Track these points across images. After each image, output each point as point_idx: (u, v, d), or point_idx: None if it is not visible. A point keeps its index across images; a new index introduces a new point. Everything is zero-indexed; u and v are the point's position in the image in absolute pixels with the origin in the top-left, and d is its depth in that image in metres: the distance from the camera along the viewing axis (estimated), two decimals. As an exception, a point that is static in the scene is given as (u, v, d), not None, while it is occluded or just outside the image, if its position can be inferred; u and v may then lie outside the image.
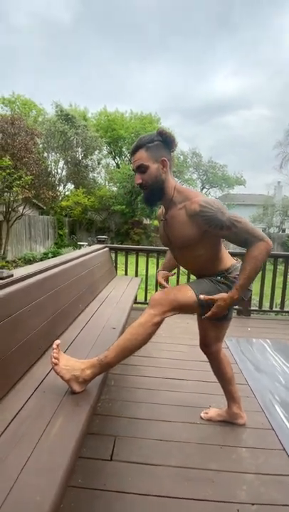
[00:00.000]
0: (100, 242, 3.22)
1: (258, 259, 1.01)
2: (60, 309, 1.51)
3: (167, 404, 1.55)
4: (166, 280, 1.46)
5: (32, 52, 44.06)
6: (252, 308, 3.22)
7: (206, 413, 1.46)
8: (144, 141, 1.07)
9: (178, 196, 1.10)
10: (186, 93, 45.17)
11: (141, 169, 1.07)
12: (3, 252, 8.01)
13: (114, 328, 1.60)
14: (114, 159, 18.39)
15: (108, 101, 42.89)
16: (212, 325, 1.33)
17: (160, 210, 1.27)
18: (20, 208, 8.28)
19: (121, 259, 3.52)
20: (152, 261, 3.36)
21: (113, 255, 3.31)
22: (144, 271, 3.31)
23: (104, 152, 17.27)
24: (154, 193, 1.10)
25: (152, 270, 3.46)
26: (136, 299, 2.89)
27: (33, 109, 16.58)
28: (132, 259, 3.56)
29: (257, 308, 3.23)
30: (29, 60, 43.58)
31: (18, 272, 1.30)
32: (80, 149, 12.68)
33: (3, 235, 8.02)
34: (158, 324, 1.07)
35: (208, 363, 1.43)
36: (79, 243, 12.47)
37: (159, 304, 1.07)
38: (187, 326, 2.71)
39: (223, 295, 1.09)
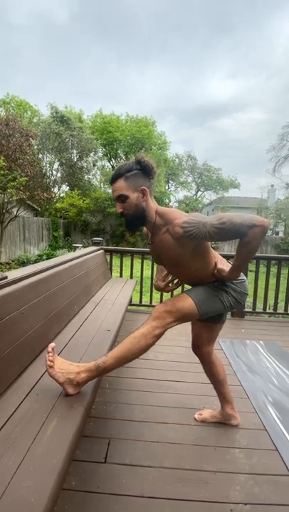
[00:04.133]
0: (95, 244, 3.22)
1: (252, 244, 1.01)
2: (55, 311, 1.51)
3: (161, 406, 1.56)
4: (169, 282, 1.39)
5: (28, 52, 44.00)
6: (245, 309, 3.25)
7: (200, 414, 1.47)
8: (122, 171, 1.07)
9: (160, 220, 1.10)
10: (182, 95, 45.66)
11: (121, 199, 1.07)
12: (-3, 254, 7.92)
13: (108, 331, 1.60)
14: (109, 161, 18.41)
15: (104, 102, 42.91)
16: (205, 326, 1.35)
17: (145, 229, 1.25)
18: (15, 210, 8.20)
19: (116, 261, 3.52)
20: (147, 263, 3.37)
21: (108, 257, 3.31)
22: (139, 273, 3.32)
23: (100, 154, 17.29)
24: (135, 220, 1.12)
25: (147, 272, 3.47)
26: (131, 301, 2.89)
27: (27, 110, 16.51)
28: (127, 261, 3.56)
29: (250, 310, 3.26)
30: (24, 60, 43.50)
31: (12, 274, 1.30)
32: (75, 151, 12.66)
33: (-3, 237, 7.94)
34: (159, 336, 1.09)
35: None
36: (74, 245, 12.42)
37: (161, 316, 1.10)
38: (183, 328, 2.72)
39: (224, 269, 1.17)
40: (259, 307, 3.37)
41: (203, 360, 1.40)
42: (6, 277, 1.22)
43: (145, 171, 1.09)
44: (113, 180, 1.09)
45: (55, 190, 13.41)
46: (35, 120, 14.12)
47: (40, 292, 1.39)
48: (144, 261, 3.34)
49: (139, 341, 1.05)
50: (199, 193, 26.50)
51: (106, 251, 3.23)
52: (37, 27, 39.93)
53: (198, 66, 46.00)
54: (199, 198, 26.84)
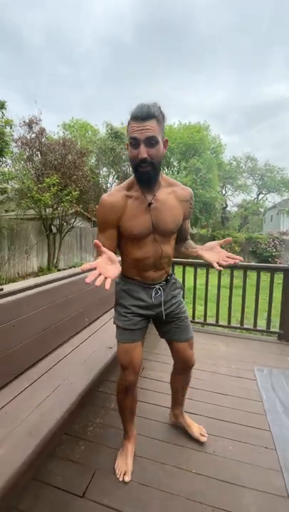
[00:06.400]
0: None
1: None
2: (56, 324, 1.51)
3: (163, 441, 1.37)
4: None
5: (91, 76, 48.84)
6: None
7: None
8: (156, 111, 0.90)
9: (163, 180, 1.06)
10: (242, 94, 43.53)
11: (151, 142, 0.90)
12: (56, 261, 8.78)
13: (110, 348, 1.52)
14: (162, 170, 18.65)
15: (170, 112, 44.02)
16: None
17: (113, 195, 1.02)
18: (72, 221, 9.00)
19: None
20: (201, 274, 3.07)
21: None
22: (192, 283, 2.99)
23: (153, 164, 17.68)
24: (155, 172, 0.97)
25: (189, 282, 3.11)
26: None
27: (88, 130, 18.18)
28: (178, 271, 3.37)
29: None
30: (88, 83, 48.40)
31: (11, 287, 1.34)
32: (128, 163, 13.28)
33: (57, 245, 8.82)
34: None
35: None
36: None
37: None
38: (213, 349, 2.44)
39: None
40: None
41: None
42: (1, 289, 1.27)
43: (164, 121, 0.96)
44: (146, 118, 0.89)
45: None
46: (97, 138, 15.41)
47: (38, 305, 1.41)
48: (199, 271, 3.00)
49: None
50: (261, 195, 24.46)
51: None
52: (101, 54, 44.20)
53: (258, 59, 43.24)
54: (261, 202, 24.73)
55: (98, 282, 0.73)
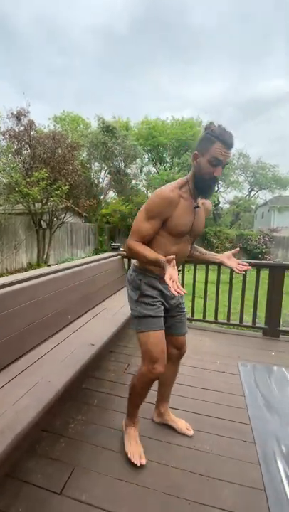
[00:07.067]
0: (113, 249, 3.19)
1: None
2: (38, 321, 1.48)
3: (146, 437, 1.38)
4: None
5: (83, 69, 47.88)
6: (281, 327, 2.77)
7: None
8: None
9: None
10: (235, 91, 43.50)
11: (224, 166, 1.11)
12: (46, 257, 8.66)
13: (92, 345, 1.51)
14: (154, 166, 18.55)
15: (162, 105, 42.91)
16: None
17: (173, 191, 1.13)
18: (62, 216, 8.87)
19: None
20: (189, 271, 3.07)
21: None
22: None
23: (146, 160, 17.55)
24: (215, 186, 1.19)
25: (189, 275, 3.14)
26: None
27: (80, 124, 17.85)
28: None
29: (288, 329, 2.77)
30: (80, 75, 47.44)
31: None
32: (120, 158, 13.13)
33: (46, 241, 8.69)
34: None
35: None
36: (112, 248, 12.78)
37: None
38: (199, 344, 2.46)
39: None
40: (299, 326, 2.83)
41: None
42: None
43: None
44: (231, 147, 1.09)
45: (102, 197, 14.09)
46: (88, 131, 15.13)
47: (20, 301, 1.38)
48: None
49: None
50: (252, 192, 24.66)
51: (125, 256, 3.16)
52: (93, 43, 43.27)
53: (253, 54, 43.26)
54: (252, 199, 24.95)
55: (178, 290, 0.94)
